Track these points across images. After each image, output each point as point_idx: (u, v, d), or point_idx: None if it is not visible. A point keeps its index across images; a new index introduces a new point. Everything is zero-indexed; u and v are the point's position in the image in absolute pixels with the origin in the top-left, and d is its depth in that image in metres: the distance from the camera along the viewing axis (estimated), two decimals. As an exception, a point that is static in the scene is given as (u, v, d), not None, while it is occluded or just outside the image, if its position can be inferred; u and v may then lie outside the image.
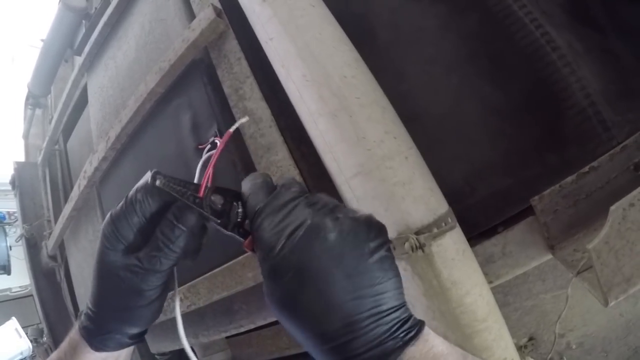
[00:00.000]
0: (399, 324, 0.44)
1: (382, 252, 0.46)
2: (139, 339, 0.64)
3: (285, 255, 0.44)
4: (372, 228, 0.47)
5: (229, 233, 0.54)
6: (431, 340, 0.45)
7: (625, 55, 0.92)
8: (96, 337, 0.60)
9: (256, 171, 0.58)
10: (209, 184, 0.56)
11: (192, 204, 0.54)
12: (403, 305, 0.45)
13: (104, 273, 0.58)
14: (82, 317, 0.62)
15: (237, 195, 0.56)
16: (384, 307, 0.43)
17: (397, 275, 0.46)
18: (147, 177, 0.57)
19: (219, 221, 0.54)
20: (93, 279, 0.60)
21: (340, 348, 0.43)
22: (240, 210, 0.54)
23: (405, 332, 0.43)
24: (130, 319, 0.60)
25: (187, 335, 0.65)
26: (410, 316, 0.45)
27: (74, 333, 0.63)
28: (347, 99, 0.76)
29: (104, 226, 0.58)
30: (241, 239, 0.53)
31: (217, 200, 0.55)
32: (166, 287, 0.61)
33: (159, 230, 0.56)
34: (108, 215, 0.58)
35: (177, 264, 0.59)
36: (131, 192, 0.57)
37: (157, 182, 0.55)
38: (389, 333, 0.43)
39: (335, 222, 0.46)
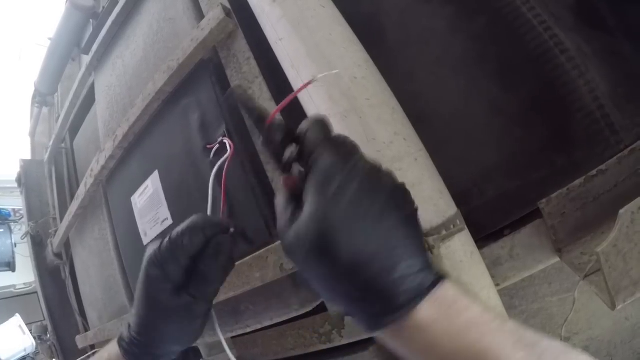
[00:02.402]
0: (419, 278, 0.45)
1: (412, 214, 0.49)
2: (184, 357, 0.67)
3: (337, 200, 0.45)
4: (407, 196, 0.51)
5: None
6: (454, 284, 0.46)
7: (635, 58, 0.91)
8: (143, 357, 0.63)
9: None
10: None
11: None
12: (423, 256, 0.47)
13: (154, 309, 0.62)
14: (124, 343, 0.65)
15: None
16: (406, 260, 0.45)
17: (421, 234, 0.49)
18: (192, 219, 0.63)
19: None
20: (139, 309, 0.63)
21: (368, 284, 0.44)
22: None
23: (422, 286, 0.45)
24: (178, 342, 0.64)
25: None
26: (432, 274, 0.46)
27: (114, 356, 0.66)
28: (357, 100, 0.76)
29: (148, 267, 0.61)
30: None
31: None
32: (209, 310, 0.67)
33: (203, 266, 0.62)
34: (152, 256, 0.62)
35: None
36: (175, 234, 0.62)
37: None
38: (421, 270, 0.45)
39: (382, 184, 0.48)
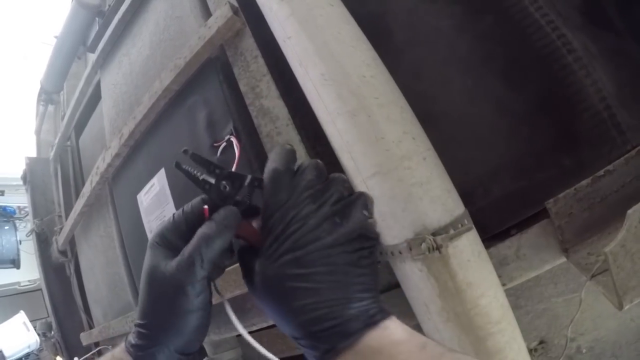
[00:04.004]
0: (367, 309, 0.48)
1: (365, 254, 0.51)
2: (187, 358, 0.65)
3: (287, 247, 0.49)
4: (366, 240, 0.52)
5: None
6: (392, 328, 0.48)
7: (642, 58, 0.92)
8: (146, 350, 0.61)
9: (280, 144, 0.60)
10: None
11: (202, 188, 0.56)
12: (373, 298, 0.49)
13: (154, 283, 0.60)
14: (130, 336, 0.64)
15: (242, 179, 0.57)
16: (358, 295, 0.48)
17: (374, 274, 0.52)
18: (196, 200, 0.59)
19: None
20: (141, 292, 0.61)
21: (309, 322, 0.47)
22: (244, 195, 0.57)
23: (368, 318, 0.47)
24: (176, 326, 0.61)
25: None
26: (378, 308, 0.49)
27: (118, 352, 0.65)
28: (366, 99, 0.76)
29: (152, 240, 0.60)
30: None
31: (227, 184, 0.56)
32: (209, 302, 0.63)
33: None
34: (157, 229, 0.60)
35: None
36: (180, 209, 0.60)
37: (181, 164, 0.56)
38: (357, 315, 0.47)
39: (333, 228, 0.50)
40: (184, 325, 0.60)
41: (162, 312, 0.60)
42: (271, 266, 0.49)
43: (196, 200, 0.59)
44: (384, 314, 0.48)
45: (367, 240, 0.52)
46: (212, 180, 0.55)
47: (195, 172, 0.56)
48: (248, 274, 0.53)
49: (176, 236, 0.58)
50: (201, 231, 0.55)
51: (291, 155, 0.56)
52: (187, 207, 0.59)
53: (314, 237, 0.49)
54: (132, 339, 0.63)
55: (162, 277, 0.57)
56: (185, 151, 0.57)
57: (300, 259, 0.48)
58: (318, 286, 0.47)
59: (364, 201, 0.54)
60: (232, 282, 1.07)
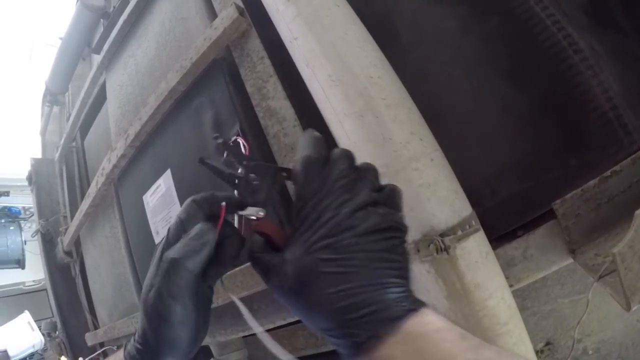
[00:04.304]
0: (404, 296, 0.47)
1: (397, 242, 0.50)
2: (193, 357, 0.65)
3: (322, 234, 0.48)
4: (396, 231, 0.51)
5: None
6: (431, 315, 0.47)
7: (648, 58, 0.91)
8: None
9: (307, 130, 0.60)
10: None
11: (231, 183, 0.55)
12: (408, 285, 0.49)
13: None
14: (129, 347, 0.63)
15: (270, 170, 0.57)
16: (394, 280, 0.47)
17: (407, 262, 0.51)
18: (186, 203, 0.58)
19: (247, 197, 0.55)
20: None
21: (346, 309, 0.46)
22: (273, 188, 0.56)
23: (410, 303, 0.46)
24: (168, 342, 0.60)
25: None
26: (413, 296, 0.48)
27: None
28: (373, 100, 0.76)
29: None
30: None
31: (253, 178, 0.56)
32: (201, 316, 0.62)
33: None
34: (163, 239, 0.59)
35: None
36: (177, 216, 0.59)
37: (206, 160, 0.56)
38: (396, 301, 0.46)
39: (367, 217, 0.49)
40: (177, 341, 0.60)
41: (156, 330, 0.60)
42: (305, 253, 0.48)
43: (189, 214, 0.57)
44: (421, 301, 0.48)
45: (398, 231, 0.51)
46: (239, 173, 0.55)
47: (218, 165, 0.55)
48: (272, 270, 0.52)
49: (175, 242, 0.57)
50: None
51: (321, 142, 0.56)
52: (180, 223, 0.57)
53: (348, 224, 0.48)
54: (132, 351, 0.63)
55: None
56: (216, 137, 0.57)
57: (334, 244, 0.47)
58: (354, 270, 0.46)
59: (396, 193, 0.54)
60: (238, 283, 1.07)
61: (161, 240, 0.58)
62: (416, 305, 0.47)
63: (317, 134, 0.57)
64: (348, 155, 0.55)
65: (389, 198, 0.53)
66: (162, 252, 0.56)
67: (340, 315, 0.46)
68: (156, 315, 0.58)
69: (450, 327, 0.46)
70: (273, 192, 0.56)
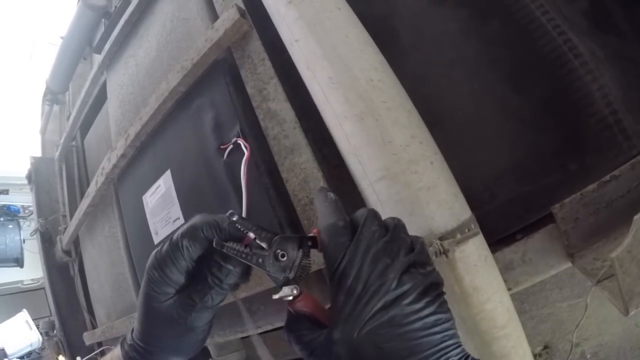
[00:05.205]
0: (463, 355, 0.46)
1: (442, 300, 0.49)
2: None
3: (376, 307, 0.47)
4: (437, 287, 0.50)
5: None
6: None
7: (648, 63, 0.92)
8: None
9: (321, 191, 0.58)
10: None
11: (257, 265, 0.54)
12: (459, 340, 0.48)
13: (154, 314, 0.59)
14: (127, 346, 0.64)
15: (299, 240, 0.55)
16: (452, 342, 0.46)
17: (452, 316, 0.49)
18: (193, 221, 0.58)
19: (280, 278, 0.54)
20: (140, 317, 0.61)
21: None
22: (302, 262, 0.54)
23: None
24: (179, 351, 0.61)
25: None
26: (468, 355, 0.47)
27: (116, 357, 0.65)
28: (373, 102, 0.76)
29: (149, 269, 0.59)
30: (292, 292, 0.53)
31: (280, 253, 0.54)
32: (213, 318, 0.63)
33: (207, 271, 0.58)
34: (152, 259, 0.59)
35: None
36: (176, 237, 0.58)
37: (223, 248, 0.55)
38: None
39: (413, 279, 0.48)
40: (183, 349, 0.61)
41: (162, 338, 0.60)
42: (359, 331, 0.46)
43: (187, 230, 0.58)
44: (473, 358, 0.47)
45: (439, 286, 0.50)
46: (264, 247, 0.54)
47: (240, 248, 0.54)
48: (318, 349, 0.50)
49: (176, 271, 0.58)
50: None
51: (339, 205, 0.55)
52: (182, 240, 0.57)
53: (399, 292, 0.47)
54: (130, 351, 0.63)
55: (168, 313, 0.58)
56: (231, 214, 0.56)
57: (392, 317, 0.46)
58: (416, 342, 0.45)
59: (425, 249, 0.53)
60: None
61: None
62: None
63: (332, 195, 0.56)
64: (375, 215, 0.53)
65: (422, 254, 0.52)
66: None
67: None
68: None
69: None
70: (304, 265, 0.54)
